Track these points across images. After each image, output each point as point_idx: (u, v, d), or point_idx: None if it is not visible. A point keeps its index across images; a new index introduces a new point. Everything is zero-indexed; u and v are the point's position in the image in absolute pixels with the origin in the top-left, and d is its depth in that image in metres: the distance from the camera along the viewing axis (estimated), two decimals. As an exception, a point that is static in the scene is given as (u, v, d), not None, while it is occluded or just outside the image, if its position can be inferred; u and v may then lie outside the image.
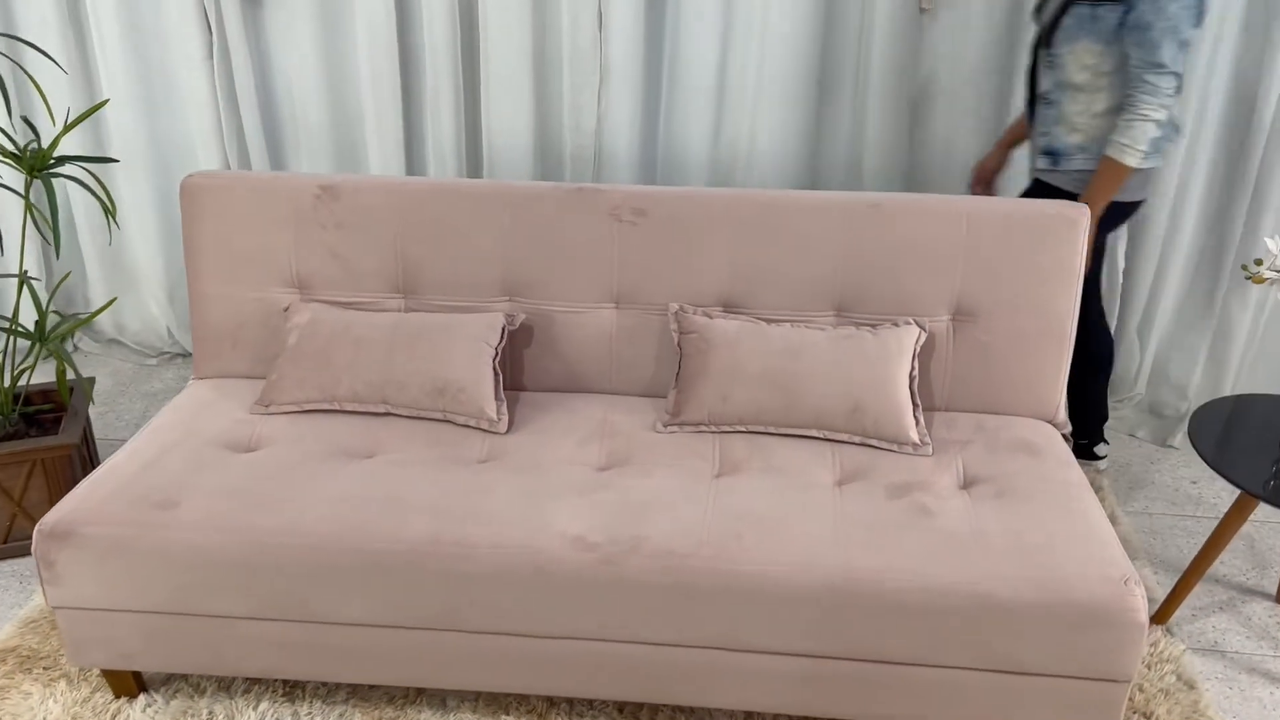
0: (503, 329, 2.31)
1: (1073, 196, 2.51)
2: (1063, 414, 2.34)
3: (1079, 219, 2.26)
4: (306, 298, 2.43)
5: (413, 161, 3.26)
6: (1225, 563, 2.63)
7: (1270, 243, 2.09)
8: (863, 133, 3.04)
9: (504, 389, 2.41)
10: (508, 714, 2.12)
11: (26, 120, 2.43)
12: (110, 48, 3.16)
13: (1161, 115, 2.32)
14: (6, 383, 2.54)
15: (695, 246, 2.35)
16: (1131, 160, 2.36)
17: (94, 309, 3.60)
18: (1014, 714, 1.92)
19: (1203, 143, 2.92)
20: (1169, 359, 3.22)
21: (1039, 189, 2.59)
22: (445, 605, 1.93)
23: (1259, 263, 2.13)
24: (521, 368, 2.43)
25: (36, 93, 3.23)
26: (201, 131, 3.26)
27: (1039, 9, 2.54)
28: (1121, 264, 3.08)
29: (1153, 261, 3.07)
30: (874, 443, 2.18)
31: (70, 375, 3.02)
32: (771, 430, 2.22)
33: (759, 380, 2.20)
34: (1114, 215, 2.53)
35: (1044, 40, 2.47)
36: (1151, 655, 2.29)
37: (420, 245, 2.38)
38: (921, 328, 2.27)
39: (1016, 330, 2.31)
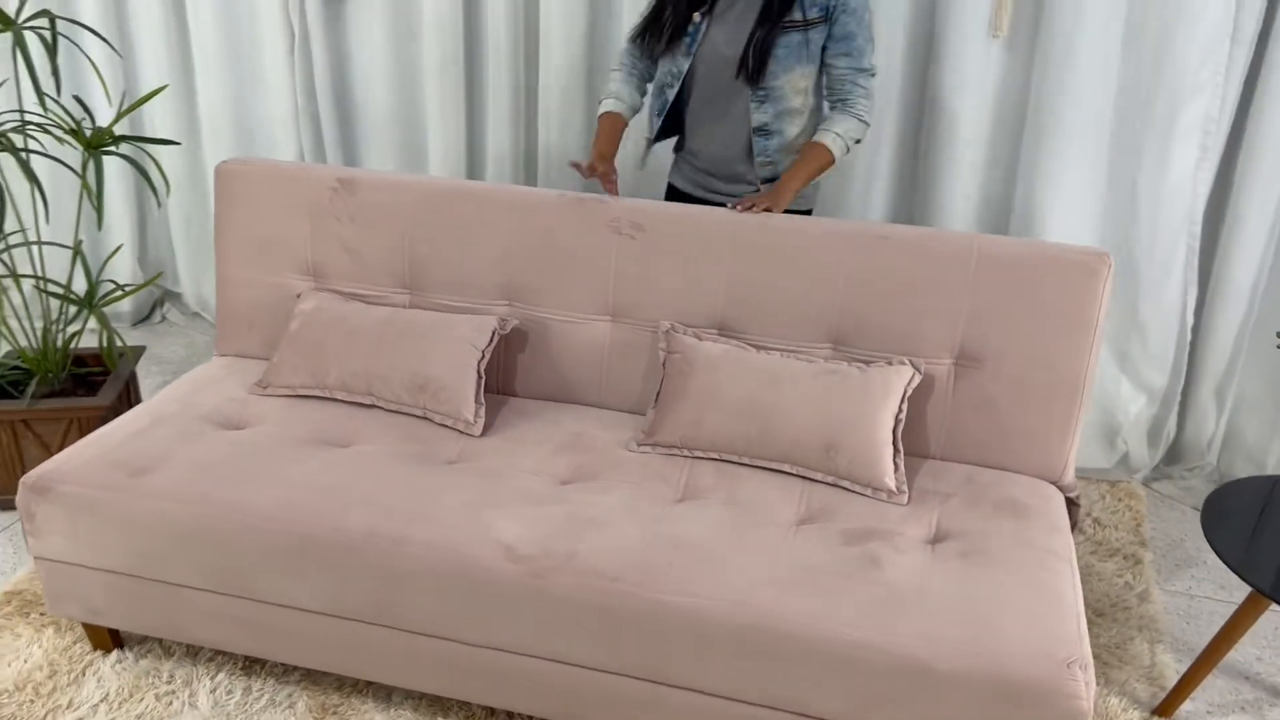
0: (493, 332, 2.31)
1: (806, 213, 2.49)
2: (1070, 475, 2.17)
3: (1100, 268, 2.09)
4: (320, 286, 2.50)
5: (473, 160, 3.32)
6: (1265, 659, 2.38)
7: (1306, 309, 1.88)
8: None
9: (495, 392, 2.42)
10: (446, 716, 2.12)
11: (79, 100, 2.59)
12: (206, 36, 3.34)
13: (870, 117, 2.36)
14: (58, 345, 2.71)
15: (692, 266, 2.29)
16: (838, 151, 2.33)
17: (181, 285, 3.81)
18: (946, 790, 1.79)
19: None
20: (1245, 426, 2.94)
21: None
22: (379, 600, 1.94)
23: (1295, 331, 1.92)
24: (514, 373, 2.43)
25: (131, 76, 3.45)
26: (282, 119, 3.41)
27: (668, 43, 2.41)
28: (1190, 320, 2.83)
29: (1234, 318, 2.82)
30: (846, 484, 2.08)
31: (109, 342, 3.19)
32: (745, 461, 2.15)
33: (735, 408, 2.13)
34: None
35: (750, 78, 2.35)
36: (1144, 749, 2.10)
37: (426, 244, 2.42)
38: (916, 369, 2.15)
39: (1024, 381, 2.16)
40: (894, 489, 2.06)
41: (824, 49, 2.34)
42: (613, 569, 1.84)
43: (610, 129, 2.48)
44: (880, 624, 1.73)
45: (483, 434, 2.25)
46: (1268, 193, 2.69)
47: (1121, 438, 2.99)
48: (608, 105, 2.51)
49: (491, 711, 2.13)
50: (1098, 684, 2.26)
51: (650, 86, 2.56)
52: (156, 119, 3.52)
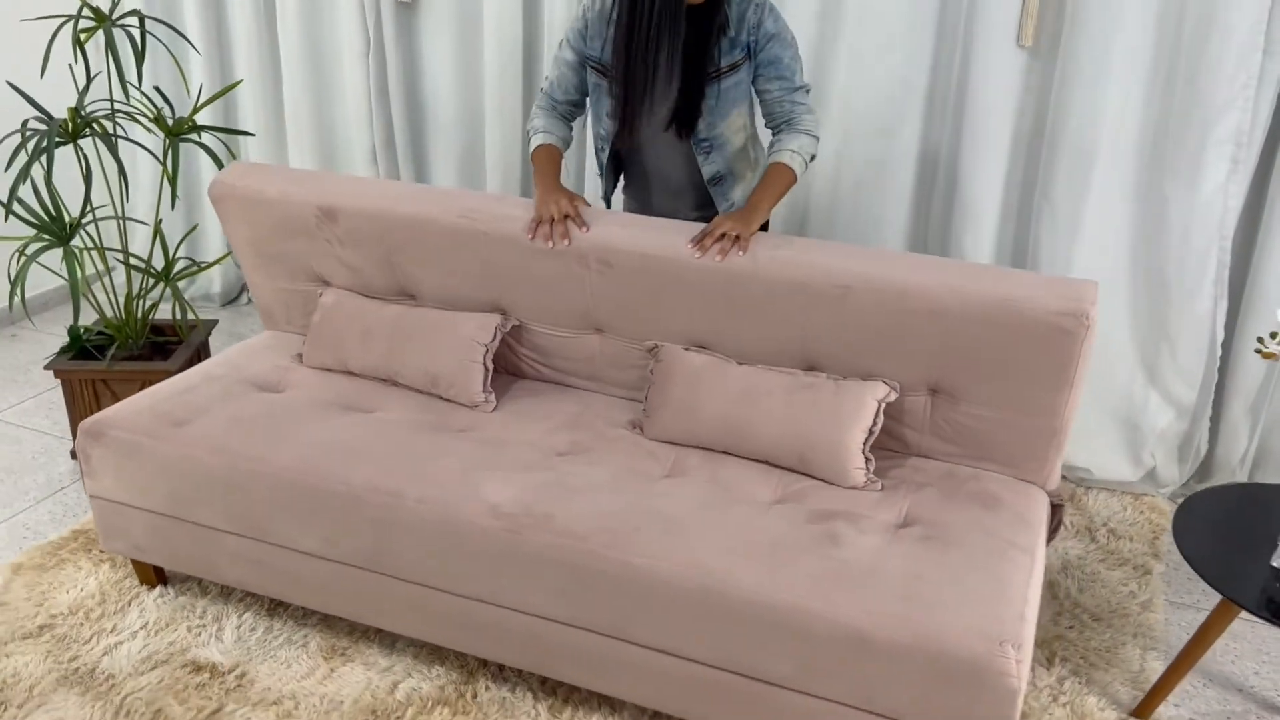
0: (495, 329, 2.44)
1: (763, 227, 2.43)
2: (1054, 483, 2.20)
3: (1077, 330, 1.94)
4: (332, 287, 2.65)
5: (526, 162, 3.50)
6: (1261, 674, 2.35)
7: (1282, 315, 1.89)
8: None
9: (507, 373, 2.57)
10: (442, 664, 2.28)
11: (159, 90, 2.86)
12: (291, 38, 3.61)
13: (818, 131, 2.31)
14: (138, 314, 2.98)
15: (662, 297, 2.29)
16: (799, 169, 2.28)
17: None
18: (887, 761, 1.85)
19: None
20: (1279, 445, 2.89)
21: None
22: (376, 548, 2.12)
23: (1274, 336, 1.93)
24: (521, 359, 2.57)
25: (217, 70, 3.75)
26: (356, 119, 3.65)
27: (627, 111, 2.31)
28: (1220, 335, 2.80)
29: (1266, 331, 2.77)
30: (823, 480, 2.15)
31: (182, 314, 3.46)
32: (733, 452, 2.24)
33: (713, 421, 2.23)
34: None
35: (686, 132, 2.33)
36: (1112, 748, 2.11)
37: (414, 264, 2.49)
38: (892, 388, 2.19)
39: (1002, 423, 2.15)
40: (862, 484, 2.12)
41: (754, 79, 2.31)
42: (584, 530, 1.97)
43: (549, 161, 2.40)
44: (826, 595, 1.81)
45: (492, 409, 2.40)
46: (1302, 208, 2.65)
47: (1149, 452, 2.97)
48: (540, 139, 2.42)
49: (484, 663, 2.28)
50: (1079, 683, 2.27)
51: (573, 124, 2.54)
52: (247, 113, 3.81)
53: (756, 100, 2.40)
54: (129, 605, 2.44)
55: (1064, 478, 3.08)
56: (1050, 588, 2.59)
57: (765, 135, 2.77)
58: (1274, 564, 1.92)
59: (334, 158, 3.79)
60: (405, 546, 2.09)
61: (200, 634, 2.36)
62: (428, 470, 2.14)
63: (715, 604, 1.86)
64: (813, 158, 2.32)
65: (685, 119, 2.33)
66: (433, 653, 2.31)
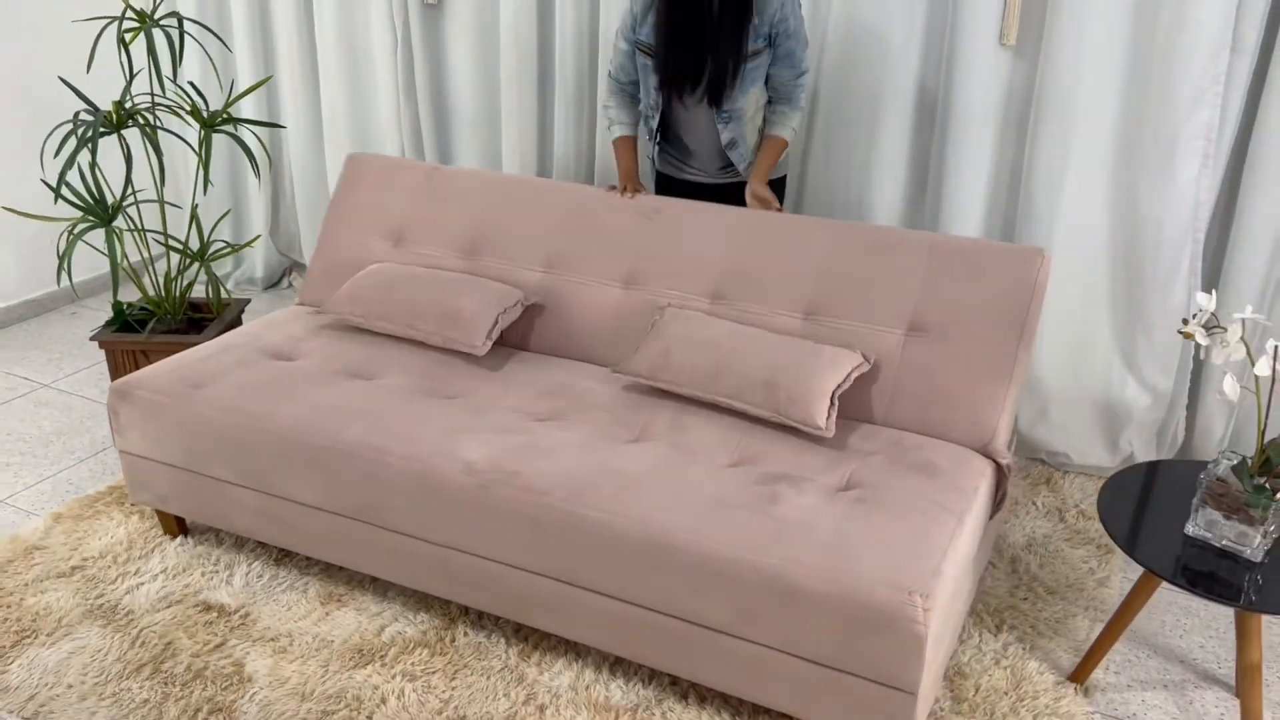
0: (517, 301, 2.70)
1: (782, 179, 2.97)
2: (1000, 442, 2.32)
3: (1035, 259, 2.25)
4: (397, 247, 2.93)
5: (542, 159, 3.70)
6: (1207, 648, 2.44)
7: (1202, 298, 1.99)
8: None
9: (511, 346, 2.77)
10: (427, 612, 2.48)
11: (193, 84, 3.12)
12: (328, 39, 3.85)
13: (805, 102, 2.81)
14: (176, 292, 3.25)
15: (696, 245, 2.68)
16: (791, 138, 2.81)
17: (305, 257, 4.36)
18: (813, 705, 2.00)
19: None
20: (1253, 429, 2.95)
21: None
22: (365, 501, 2.32)
23: (1194, 317, 2.03)
24: (529, 332, 2.77)
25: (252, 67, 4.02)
26: (387, 117, 3.88)
27: (676, 83, 2.75)
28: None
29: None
30: (784, 419, 2.30)
31: (215, 292, 3.72)
32: (700, 395, 2.41)
33: (697, 348, 2.43)
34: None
35: (713, 102, 2.75)
36: (1044, 708, 2.22)
37: (489, 221, 2.91)
38: (866, 359, 2.37)
39: (962, 355, 2.34)
40: (823, 425, 2.27)
41: (770, 63, 2.73)
42: (546, 486, 2.16)
43: (628, 151, 2.92)
44: (758, 547, 1.97)
45: (485, 378, 2.60)
46: (1272, 200, 2.72)
47: (1127, 438, 3.05)
48: (619, 131, 2.92)
49: (465, 611, 2.48)
50: (1023, 649, 2.39)
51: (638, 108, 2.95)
52: (288, 109, 4.07)
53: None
54: (152, 552, 2.68)
55: (1043, 461, 3.18)
56: (1011, 563, 2.70)
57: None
58: (1187, 532, 2.02)
59: (367, 151, 4.03)
60: (391, 499, 2.29)
61: (213, 578, 2.59)
62: (414, 431, 2.34)
63: (658, 554, 2.02)
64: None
65: (715, 94, 2.72)
66: (419, 601, 2.52)
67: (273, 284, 4.45)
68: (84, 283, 4.24)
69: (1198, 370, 2.98)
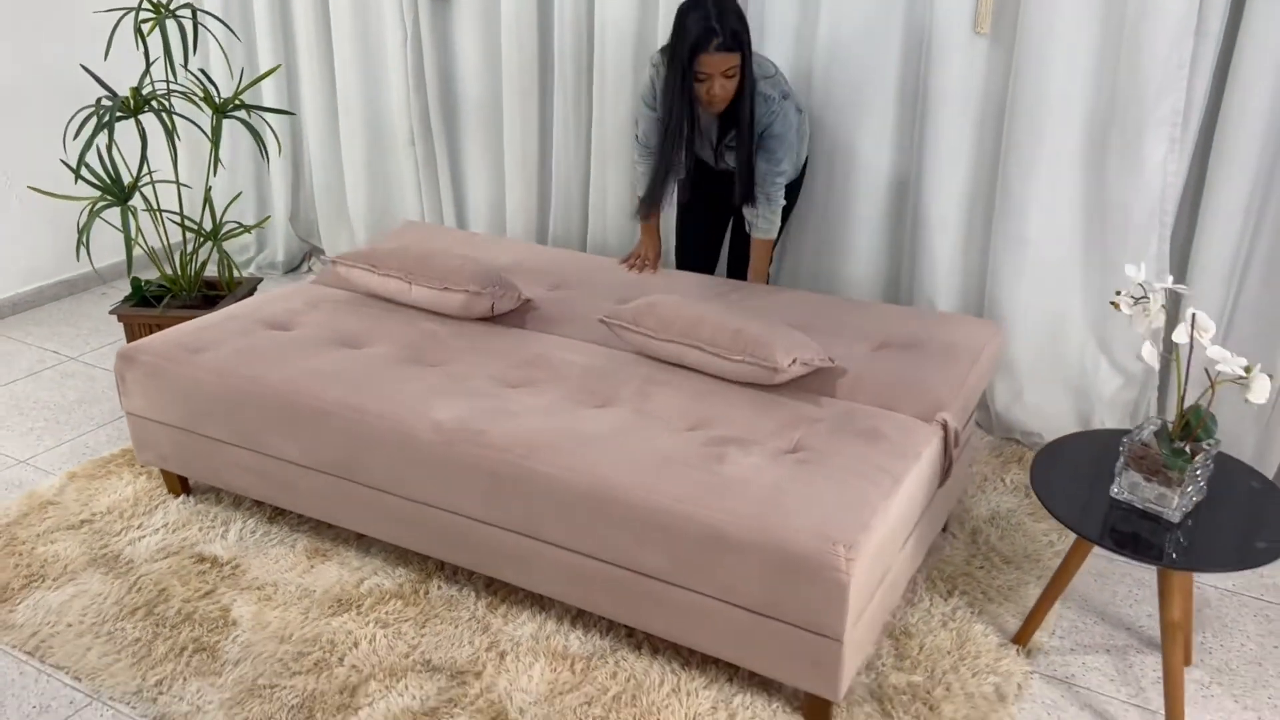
0: (519, 295, 2.88)
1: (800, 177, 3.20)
2: (952, 410, 2.41)
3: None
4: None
5: (543, 142, 3.84)
6: (1154, 615, 2.50)
7: (1130, 269, 2.06)
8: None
9: (512, 325, 2.90)
10: (405, 567, 2.62)
11: (203, 72, 3.30)
12: (344, 29, 4.02)
13: (782, 195, 2.97)
14: (191, 270, 3.43)
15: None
16: (775, 234, 3.03)
17: (323, 242, 4.54)
18: (749, 651, 2.11)
19: None
20: (1221, 411, 2.99)
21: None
22: (345, 456, 2.47)
23: (1121, 292, 2.10)
24: (526, 313, 2.90)
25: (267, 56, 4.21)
26: (398, 105, 4.05)
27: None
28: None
29: (1212, 307, 2.90)
30: (746, 359, 2.42)
31: (228, 270, 3.90)
32: (678, 340, 2.53)
33: (683, 306, 2.59)
34: (801, 180, 3.20)
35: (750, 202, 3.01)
36: (984, 666, 2.30)
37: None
38: (831, 360, 2.50)
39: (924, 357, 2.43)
40: (781, 365, 2.38)
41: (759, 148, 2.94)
42: (507, 444, 2.29)
43: (652, 233, 3.21)
44: (696, 500, 2.08)
45: (469, 349, 2.72)
46: (1238, 184, 2.77)
47: (1099, 418, 3.11)
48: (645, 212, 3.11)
49: (440, 566, 2.62)
50: (971, 613, 2.47)
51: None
52: (305, 97, 4.25)
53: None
54: (156, 509, 2.86)
55: (1017, 441, 3.25)
56: (972, 534, 2.78)
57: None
58: (1112, 494, 2.10)
59: (379, 140, 4.20)
60: (367, 456, 2.44)
61: (209, 533, 2.76)
62: (392, 393, 2.49)
63: (606, 506, 2.14)
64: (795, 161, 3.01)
65: (747, 197, 2.98)
66: (399, 557, 2.66)
67: (293, 268, 4.64)
68: (113, 266, 4.46)
69: (1169, 352, 3.03)
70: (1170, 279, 2.87)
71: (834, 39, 3.20)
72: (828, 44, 3.22)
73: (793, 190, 3.13)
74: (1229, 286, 2.88)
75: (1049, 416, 3.18)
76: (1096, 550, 2.74)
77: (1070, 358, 3.12)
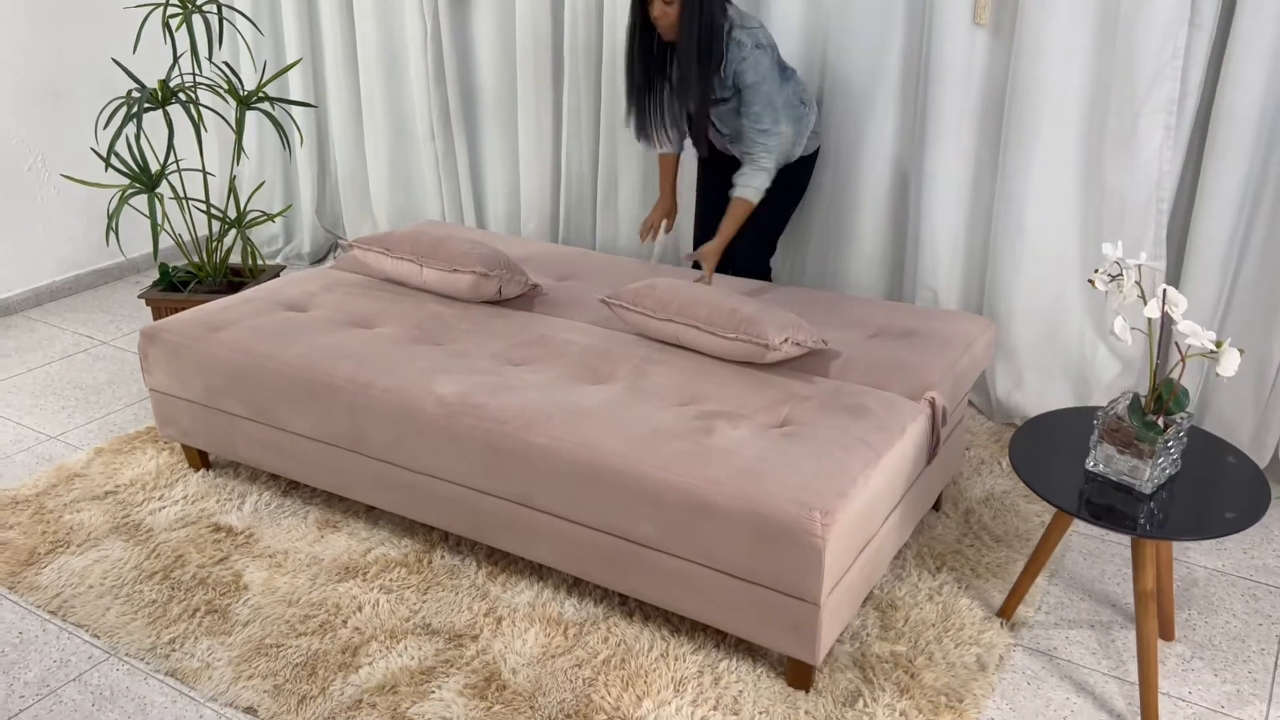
0: (528, 280, 2.99)
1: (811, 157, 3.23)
2: (933, 392, 2.46)
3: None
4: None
5: (556, 133, 3.93)
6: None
7: (1108, 248, 2.11)
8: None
9: (519, 309, 3.00)
10: (411, 538, 2.72)
11: (227, 65, 3.43)
12: (368, 26, 4.15)
13: (774, 165, 2.95)
14: (216, 256, 3.56)
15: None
16: (756, 198, 2.97)
17: (347, 234, 4.67)
18: (733, 616, 2.18)
19: None
20: (1217, 398, 3.02)
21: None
22: (353, 430, 2.58)
23: (1099, 271, 2.15)
24: (533, 298, 3.00)
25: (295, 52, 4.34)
26: (419, 99, 4.17)
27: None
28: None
29: (1208, 294, 2.93)
30: (740, 336, 2.50)
31: (252, 257, 4.02)
32: (675, 319, 2.61)
33: (683, 290, 2.67)
34: (809, 166, 3.21)
35: (701, 147, 3.13)
36: (967, 638, 2.36)
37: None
38: (825, 342, 2.58)
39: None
40: (773, 343, 2.46)
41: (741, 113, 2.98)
42: (505, 417, 2.38)
43: (666, 170, 3.30)
44: (681, 469, 2.16)
45: (475, 330, 2.82)
46: (1232, 171, 2.80)
47: (1097, 404, 3.14)
48: (660, 149, 3.22)
49: (445, 537, 2.71)
50: (958, 588, 2.52)
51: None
52: (330, 91, 4.38)
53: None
54: (176, 482, 2.98)
55: (1017, 426, 3.28)
56: (965, 514, 2.83)
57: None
58: (1087, 467, 2.15)
59: (401, 133, 4.32)
60: (373, 429, 2.54)
61: (225, 505, 2.88)
62: (398, 369, 2.59)
63: (596, 475, 2.23)
64: (767, 185, 2.98)
65: (696, 138, 3.07)
66: (405, 529, 2.76)
67: (319, 260, 4.77)
68: (145, 256, 4.61)
69: (1165, 337, 3.06)
70: (1163, 263, 2.92)
71: (836, 31, 3.27)
72: (829, 36, 3.29)
73: (792, 179, 3.18)
74: (1226, 272, 2.91)
75: (1049, 402, 3.22)
76: (1087, 530, 2.79)
77: (1069, 344, 3.16)
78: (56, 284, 4.29)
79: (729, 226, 2.98)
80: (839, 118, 3.37)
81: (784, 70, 3.04)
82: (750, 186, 2.96)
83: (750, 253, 3.25)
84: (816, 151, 3.27)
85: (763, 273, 3.31)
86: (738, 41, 2.87)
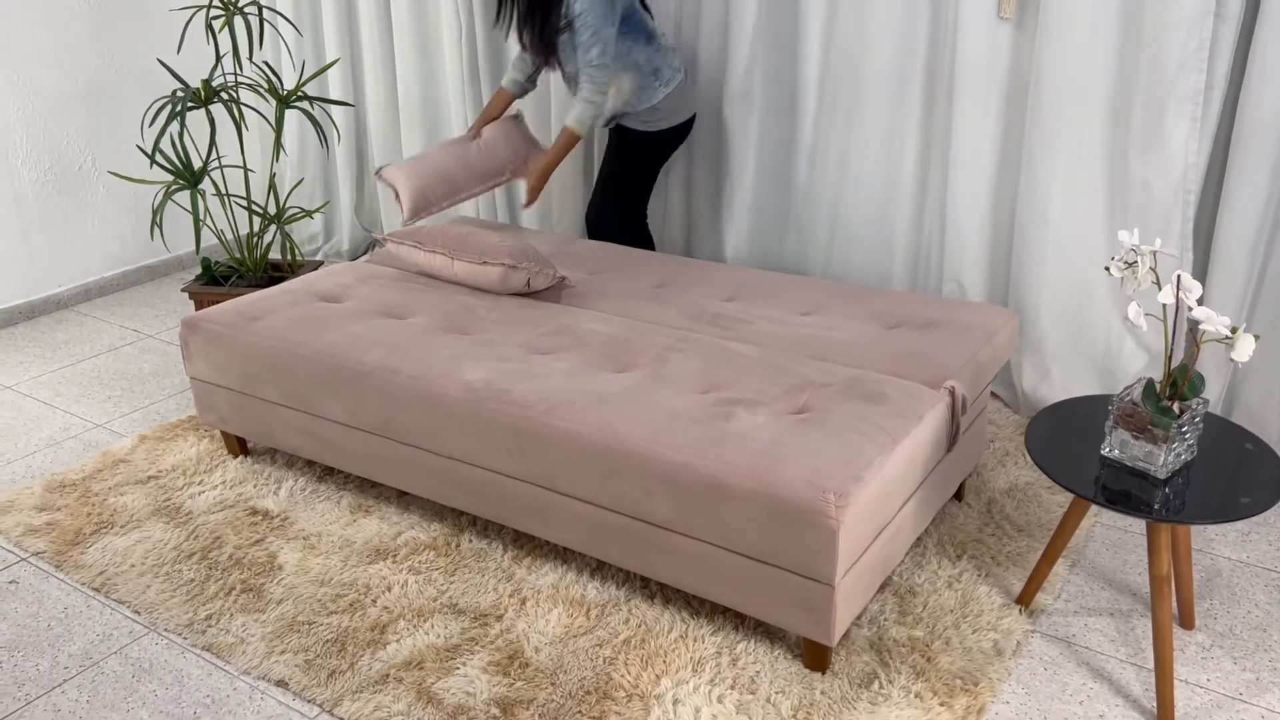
0: (555, 272, 3.03)
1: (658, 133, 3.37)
2: (952, 380, 2.49)
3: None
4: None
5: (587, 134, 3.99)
6: (1163, 585, 2.54)
7: (1124, 235, 2.13)
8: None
9: (546, 301, 3.06)
10: (440, 522, 2.79)
11: (268, 64, 3.53)
12: (404, 27, 4.25)
13: (600, 99, 3.14)
14: (257, 251, 3.67)
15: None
16: (582, 129, 3.18)
17: (385, 231, 4.77)
18: (749, 597, 2.22)
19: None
20: (1247, 390, 3.00)
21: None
22: (384, 415, 2.65)
23: (1115, 258, 2.16)
24: (559, 289, 3.06)
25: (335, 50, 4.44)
26: (455, 97, 4.25)
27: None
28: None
29: (1235, 286, 2.92)
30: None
31: (291, 252, 4.12)
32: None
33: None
34: (668, 140, 3.36)
35: (553, 64, 3.30)
36: (985, 624, 2.38)
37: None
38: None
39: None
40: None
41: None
42: (529, 402, 2.44)
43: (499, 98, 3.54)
44: (698, 452, 2.20)
45: (502, 321, 2.88)
46: (1259, 163, 2.79)
47: (1124, 397, 3.14)
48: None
49: (473, 521, 2.78)
50: (978, 576, 2.54)
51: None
52: (368, 89, 4.48)
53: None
54: (216, 468, 3.08)
55: (1043, 420, 3.29)
56: (988, 504, 2.85)
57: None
58: (1102, 453, 2.16)
59: (437, 131, 4.41)
60: (403, 414, 2.61)
61: (262, 489, 2.97)
62: (426, 357, 2.66)
63: (614, 458, 2.28)
64: (596, 117, 3.18)
65: (545, 57, 3.28)
66: (435, 514, 2.83)
67: (356, 257, 4.88)
68: (191, 254, 4.74)
69: (1194, 332, 3.05)
70: (1190, 254, 2.92)
71: (861, 25, 3.30)
72: (856, 30, 3.32)
73: (651, 146, 3.36)
74: (1253, 264, 2.90)
75: (1074, 393, 3.22)
76: (1109, 521, 2.79)
77: (1095, 336, 3.16)
78: (105, 280, 4.43)
79: (554, 150, 3.25)
80: (864, 112, 3.39)
81: (644, 30, 3.23)
82: (572, 115, 3.15)
83: (599, 211, 3.47)
84: (686, 125, 3.41)
85: (621, 236, 3.49)
86: None
